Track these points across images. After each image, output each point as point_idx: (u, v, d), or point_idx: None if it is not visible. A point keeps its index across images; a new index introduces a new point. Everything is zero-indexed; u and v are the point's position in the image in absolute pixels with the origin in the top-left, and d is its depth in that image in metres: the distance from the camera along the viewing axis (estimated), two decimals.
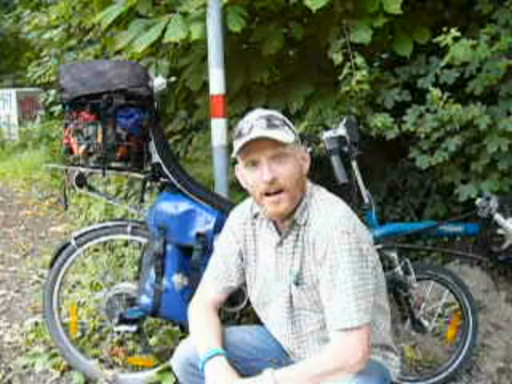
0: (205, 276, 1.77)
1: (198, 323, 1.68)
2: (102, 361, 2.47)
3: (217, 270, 1.73)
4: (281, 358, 1.69)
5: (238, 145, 1.49)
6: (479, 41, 2.35)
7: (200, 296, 1.75)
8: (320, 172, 2.76)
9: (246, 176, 1.54)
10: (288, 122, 1.56)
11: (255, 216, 1.66)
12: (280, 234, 1.60)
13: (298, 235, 1.55)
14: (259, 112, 1.55)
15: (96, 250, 3.43)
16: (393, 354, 1.66)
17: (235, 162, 1.59)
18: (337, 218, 1.49)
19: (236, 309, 2.16)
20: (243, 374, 1.59)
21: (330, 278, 1.46)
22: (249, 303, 1.97)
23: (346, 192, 2.28)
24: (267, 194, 1.50)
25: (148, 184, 2.38)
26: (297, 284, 1.55)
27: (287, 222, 1.56)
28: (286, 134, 1.49)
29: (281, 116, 1.55)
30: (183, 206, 2.17)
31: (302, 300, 1.57)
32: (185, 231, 2.14)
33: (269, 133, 1.46)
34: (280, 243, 1.59)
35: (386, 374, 1.59)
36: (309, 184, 1.60)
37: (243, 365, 1.65)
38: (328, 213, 1.51)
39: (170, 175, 2.19)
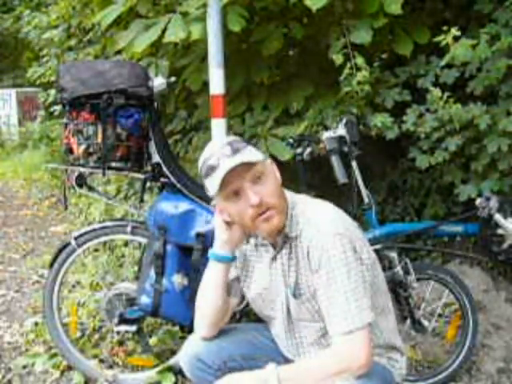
0: None
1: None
2: (102, 361, 2.47)
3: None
4: (287, 358, 1.69)
5: (214, 182, 1.45)
6: (479, 40, 2.35)
7: None
8: (320, 172, 2.76)
9: (228, 209, 1.51)
10: (248, 142, 1.55)
11: (246, 241, 1.66)
12: (274, 248, 1.59)
13: (290, 247, 1.55)
14: (219, 142, 1.53)
15: (96, 250, 3.43)
16: (398, 355, 1.65)
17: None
18: (326, 223, 1.48)
19: (236, 309, 2.16)
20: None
21: (327, 284, 1.45)
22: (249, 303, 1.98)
23: (346, 192, 2.28)
24: (258, 216, 1.48)
25: (148, 184, 2.38)
26: (294, 296, 1.55)
27: (279, 238, 1.56)
28: (254, 153, 1.49)
29: (239, 138, 1.55)
30: (183, 206, 2.17)
31: (301, 312, 1.56)
32: (185, 231, 2.14)
33: (238, 157, 1.44)
34: (274, 259, 1.59)
35: (389, 376, 1.59)
36: (288, 193, 1.58)
37: (251, 362, 1.67)
38: (316, 219, 1.50)
39: (170, 175, 2.19)
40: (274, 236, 1.56)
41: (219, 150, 1.47)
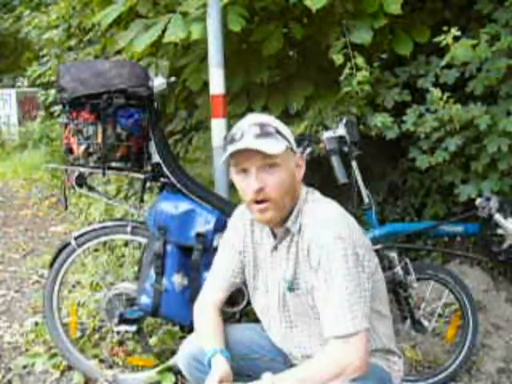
0: (209, 274, 1.78)
1: (202, 322, 1.70)
2: (102, 361, 2.47)
3: (221, 268, 1.74)
4: (285, 357, 1.70)
5: (227, 151, 1.49)
6: (479, 40, 2.35)
7: (204, 294, 1.76)
8: (320, 172, 2.76)
9: (237, 181, 1.55)
10: (281, 129, 1.52)
11: (253, 220, 1.66)
12: (275, 238, 1.60)
13: (291, 241, 1.55)
14: (253, 118, 1.53)
15: (96, 250, 3.42)
16: (396, 358, 1.65)
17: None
18: (331, 224, 1.48)
19: (236, 309, 2.16)
20: (248, 372, 1.61)
21: (324, 285, 1.45)
22: (249, 303, 1.98)
23: (346, 192, 2.28)
24: (256, 202, 1.50)
25: (148, 184, 2.38)
26: (290, 290, 1.55)
27: (281, 229, 1.56)
28: (276, 144, 1.46)
29: (275, 123, 1.53)
30: (183, 206, 2.17)
31: (297, 306, 1.57)
32: (185, 231, 2.14)
33: (259, 143, 1.44)
34: (275, 248, 1.59)
35: (386, 378, 1.58)
36: (303, 189, 1.58)
37: (248, 363, 1.66)
38: (322, 218, 1.50)
39: (170, 175, 2.19)
40: (274, 226, 1.57)
41: (248, 126, 1.48)
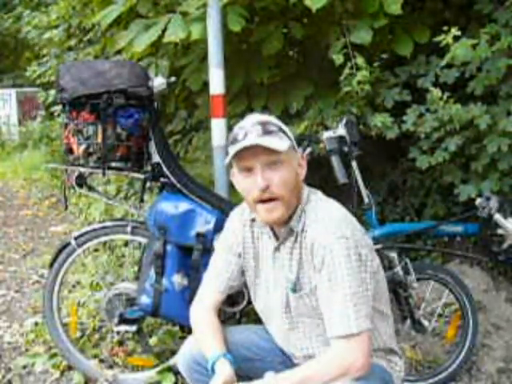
0: (206, 275, 1.76)
1: (201, 326, 1.69)
2: (102, 361, 2.47)
3: (218, 269, 1.72)
4: (285, 358, 1.69)
5: (232, 151, 1.47)
6: (479, 40, 2.35)
7: (201, 296, 1.75)
8: (320, 172, 2.77)
9: (239, 181, 1.53)
10: (284, 127, 1.53)
11: (253, 220, 1.65)
12: (277, 239, 1.59)
13: (295, 241, 1.54)
14: (255, 117, 1.53)
15: (96, 250, 3.42)
16: (397, 358, 1.65)
17: (231, 165, 1.57)
18: (334, 223, 1.48)
19: (236, 309, 2.16)
20: (248, 373, 1.60)
21: (328, 285, 1.45)
22: (249, 303, 1.97)
23: (345, 192, 2.28)
24: (261, 201, 1.48)
25: (148, 184, 2.38)
26: (294, 291, 1.55)
27: (284, 229, 1.55)
28: (280, 142, 1.47)
29: (277, 122, 1.53)
30: (183, 205, 2.17)
31: (300, 307, 1.56)
32: (185, 231, 2.14)
33: (263, 140, 1.44)
34: (277, 249, 1.59)
35: (388, 378, 1.58)
36: (305, 189, 1.58)
37: (248, 364, 1.66)
38: (325, 218, 1.50)
39: (170, 175, 2.19)
40: (277, 226, 1.56)
41: (251, 126, 1.48)
